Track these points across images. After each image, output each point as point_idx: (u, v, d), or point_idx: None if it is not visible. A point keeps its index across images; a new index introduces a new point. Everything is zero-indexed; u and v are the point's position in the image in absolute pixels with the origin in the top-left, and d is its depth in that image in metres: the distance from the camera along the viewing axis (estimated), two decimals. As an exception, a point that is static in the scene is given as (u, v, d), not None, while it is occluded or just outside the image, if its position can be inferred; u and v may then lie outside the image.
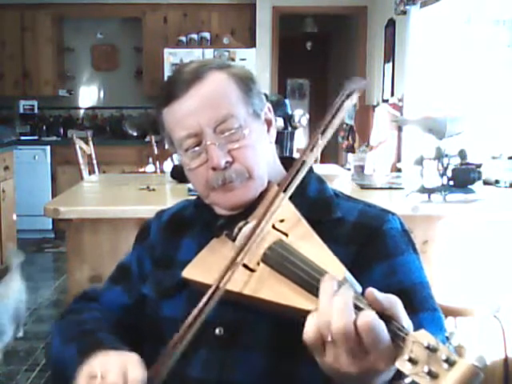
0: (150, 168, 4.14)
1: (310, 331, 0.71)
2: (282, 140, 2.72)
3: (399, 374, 0.68)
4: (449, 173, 2.40)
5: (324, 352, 0.71)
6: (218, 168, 1.00)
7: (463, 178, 2.40)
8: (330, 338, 0.69)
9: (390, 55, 5.35)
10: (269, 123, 1.09)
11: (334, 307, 0.69)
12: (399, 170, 4.40)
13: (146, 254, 1.14)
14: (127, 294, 1.13)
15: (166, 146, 1.11)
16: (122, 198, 2.75)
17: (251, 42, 6.11)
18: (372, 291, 0.69)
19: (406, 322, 0.69)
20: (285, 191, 0.92)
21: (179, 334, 0.83)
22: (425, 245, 2.42)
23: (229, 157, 1.00)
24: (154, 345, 1.05)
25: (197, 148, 1.02)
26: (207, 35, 6.10)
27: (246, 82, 1.05)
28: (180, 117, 1.01)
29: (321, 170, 3.47)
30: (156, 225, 1.17)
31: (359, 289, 0.77)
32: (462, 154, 2.41)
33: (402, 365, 0.63)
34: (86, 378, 0.87)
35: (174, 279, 1.02)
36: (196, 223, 1.11)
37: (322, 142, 0.92)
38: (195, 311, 0.83)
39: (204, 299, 0.83)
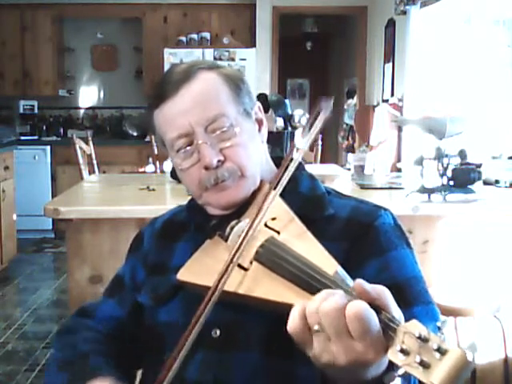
0: (149, 168, 4.14)
1: (293, 320, 0.71)
2: (282, 140, 2.72)
3: (392, 366, 0.67)
4: (449, 173, 2.40)
5: (311, 343, 0.70)
6: (210, 167, 1.00)
7: (463, 178, 2.40)
8: (317, 327, 0.68)
9: (389, 55, 5.35)
10: (260, 123, 1.10)
11: (324, 294, 0.70)
12: (399, 170, 4.40)
13: (140, 263, 1.14)
14: (120, 306, 1.14)
15: (159, 148, 1.11)
16: (122, 198, 2.74)
17: (251, 42, 6.11)
18: (360, 282, 0.69)
19: (396, 312, 0.69)
20: (275, 189, 0.92)
21: (180, 343, 0.82)
22: (425, 245, 2.42)
23: (220, 155, 1.01)
24: (154, 352, 1.04)
25: (188, 148, 1.02)
26: (207, 35, 6.10)
27: (235, 82, 1.05)
28: (171, 117, 1.02)
29: (321, 169, 3.47)
30: (149, 232, 1.18)
31: (351, 284, 0.77)
32: (462, 154, 2.41)
33: (394, 356, 0.63)
34: None
35: (168, 284, 1.02)
36: (189, 226, 1.11)
37: (309, 139, 0.93)
38: (194, 318, 0.83)
39: (203, 304, 0.83)
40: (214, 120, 1.00)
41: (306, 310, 0.70)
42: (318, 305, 0.69)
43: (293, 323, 0.71)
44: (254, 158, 1.04)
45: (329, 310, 0.68)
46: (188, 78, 1.01)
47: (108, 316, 1.14)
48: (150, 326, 1.07)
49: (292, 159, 0.93)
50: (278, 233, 0.91)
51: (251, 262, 0.88)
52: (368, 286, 0.69)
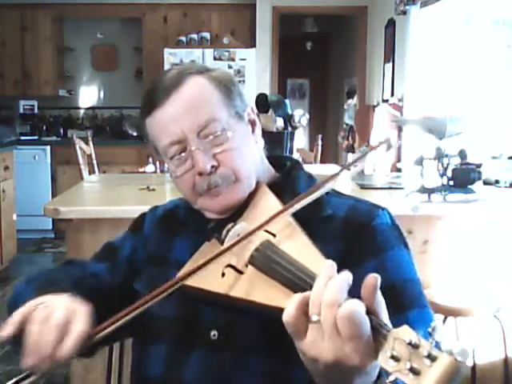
0: (149, 168, 4.14)
1: (291, 310, 0.69)
2: (282, 140, 2.72)
3: (383, 372, 0.67)
4: (449, 173, 2.40)
5: (305, 334, 0.69)
6: (203, 173, 1.00)
7: (463, 178, 2.40)
8: (315, 318, 0.67)
9: (389, 55, 5.35)
10: (253, 124, 1.10)
11: (330, 284, 0.68)
12: (399, 170, 4.40)
13: (140, 245, 1.14)
14: (111, 273, 1.13)
15: (153, 154, 1.11)
16: (122, 198, 2.74)
17: (251, 42, 6.11)
18: (376, 275, 0.67)
19: (386, 319, 0.68)
20: (287, 209, 0.92)
21: (136, 304, 0.83)
22: (425, 245, 2.42)
23: (214, 161, 1.01)
24: (143, 342, 1.05)
25: (182, 154, 1.02)
26: (207, 35, 6.10)
27: (225, 85, 1.05)
28: (163, 125, 1.02)
29: (321, 169, 3.47)
30: (150, 218, 1.18)
31: None
32: (462, 154, 2.41)
33: (385, 362, 0.62)
34: (30, 308, 0.86)
35: (167, 279, 1.02)
36: (188, 224, 1.11)
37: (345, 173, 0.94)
38: (155, 291, 0.85)
39: (164, 286, 0.85)
40: (206, 125, 1.00)
41: (308, 298, 0.69)
42: (321, 294, 0.68)
43: (291, 312, 0.69)
44: (249, 160, 1.04)
45: (332, 299, 0.66)
46: (178, 84, 1.01)
47: (95, 274, 1.12)
48: (142, 316, 1.06)
49: (319, 188, 0.93)
50: (274, 235, 0.91)
51: (247, 266, 0.89)
52: (379, 284, 0.67)
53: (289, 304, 0.70)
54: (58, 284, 0.98)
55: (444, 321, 2.20)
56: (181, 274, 0.98)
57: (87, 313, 0.85)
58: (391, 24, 5.33)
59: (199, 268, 0.86)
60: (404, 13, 4.72)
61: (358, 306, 0.65)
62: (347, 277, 0.69)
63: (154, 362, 1.02)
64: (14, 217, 5.02)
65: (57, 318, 0.83)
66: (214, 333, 0.97)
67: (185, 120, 1.00)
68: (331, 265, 0.71)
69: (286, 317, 0.70)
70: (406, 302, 0.94)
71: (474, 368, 2.26)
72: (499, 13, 3.80)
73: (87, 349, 0.84)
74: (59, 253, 5.42)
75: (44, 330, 0.82)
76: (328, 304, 0.67)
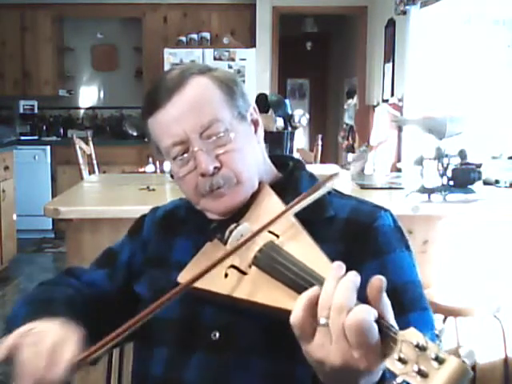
0: (149, 168, 4.13)
1: (299, 312, 0.69)
2: (282, 140, 2.72)
3: (389, 374, 0.67)
4: (449, 173, 2.40)
5: (312, 337, 0.69)
6: (206, 174, 0.99)
7: (463, 178, 2.40)
8: (324, 321, 0.67)
9: (389, 55, 5.35)
10: (255, 124, 1.09)
11: (339, 287, 0.68)
12: (399, 170, 4.40)
13: (139, 249, 1.14)
14: (110, 279, 1.13)
15: (155, 155, 1.10)
16: (122, 198, 2.74)
17: (251, 42, 6.11)
18: (381, 278, 0.67)
19: (392, 321, 0.68)
20: (292, 207, 0.92)
21: (130, 322, 0.82)
22: (425, 245, 2.42)
23: (217, 162, 1.00)
24: (144, 343, 1.05)
25: (185, 155, 1.01)
26: (207, 35, 6.10)
27: (228, 85, 1.04)
28: (165, 125, 1.01)
29: (321, 169, 3.47)
30: (150, 219, 1.17)
31: None
32: (462, 154, 2.41)
33: (392, 364, 0.62)
34: (21, 333, 0.87)
35: (168, 280, 1.01)
36: (189, 224, 1.11)
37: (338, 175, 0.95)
38: (157, 302, 0.83)
39: (169, 294, 0.83)
40: (209, 126, 0.99)
41: (316, 299, 0.69)
42: (331, 297, 0.68)
43: (299, 312, 0.69)
44: (251, 161, 1.04)
45: (342, 302, 0.66)
46: (180, 85, 1.01)
47: (94, 282, 1.13)
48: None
49: (320, 186, 0.93)
50: (278, 236, 0.91)
51: (250, 267, 0.88)
52: (385, 286, 0.67)
53: (296, 305, 0.70)
54: (51, 305, 0.99)
55: (444, 321, 2.20)
56: (183, 275, 0.97)
57: (76, 339, 0.86)
58: (391, 24, 5.33)
59: (204, 273, 0.85)
60: (404, 13, 4.72)
61: (366, 315, 0.65)
62: (356, 278, 0.69)
63: (155, 363, 1.02)
64: (14, 217, 5.02)
65: (46, 344, 0.84)
66: (215, 333, 0.97)
67: (187, 121, 0.99)
68: (339, 265, 0.71)
69: (294, 318, 0.69)
70: (407, 304, 0.94)
71: (474, 368, 2.26)
72: (499, 13, 3.80)
73: (77, 370, 0.85)
74: (59, 253, 5.42)
75: (34, 355, 0.84)
76: (337, 308, 0.66)
